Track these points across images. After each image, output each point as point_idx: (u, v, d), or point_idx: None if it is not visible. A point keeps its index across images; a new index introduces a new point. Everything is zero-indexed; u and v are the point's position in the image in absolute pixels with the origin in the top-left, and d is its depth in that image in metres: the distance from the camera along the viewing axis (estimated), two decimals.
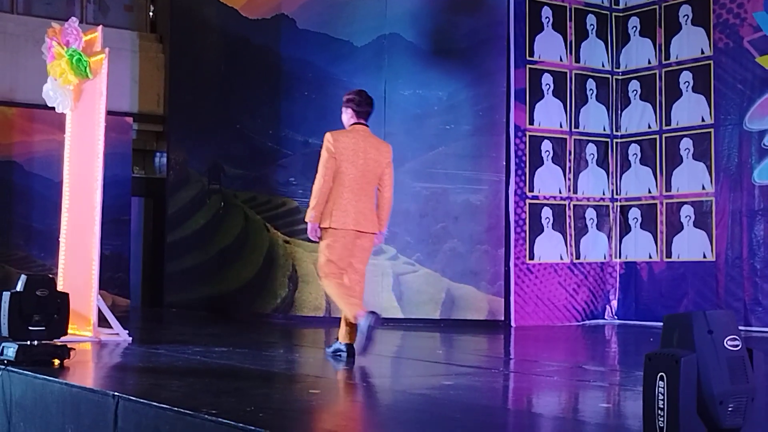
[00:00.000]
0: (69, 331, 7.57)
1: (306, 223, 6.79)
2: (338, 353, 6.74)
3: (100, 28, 8.14)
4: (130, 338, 7.73)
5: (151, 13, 14.22)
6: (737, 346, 3.22)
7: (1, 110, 12.16)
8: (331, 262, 6.68)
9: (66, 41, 7.92)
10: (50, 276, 6.66)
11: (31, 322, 5.97)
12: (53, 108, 8.24)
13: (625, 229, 10.84)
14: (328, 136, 6.69)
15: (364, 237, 6.76)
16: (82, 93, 8.12)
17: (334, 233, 6.64)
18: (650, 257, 10.60)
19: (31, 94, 10.96)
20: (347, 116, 6.86)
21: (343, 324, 6.71)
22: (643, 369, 3.31)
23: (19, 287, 6.06)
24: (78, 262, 8.01)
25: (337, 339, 6.80)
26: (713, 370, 3.18)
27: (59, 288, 6.56)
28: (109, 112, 7.97)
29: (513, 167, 10.10)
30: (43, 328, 6.01)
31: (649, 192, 10.63)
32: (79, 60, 7.84)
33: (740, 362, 3.22)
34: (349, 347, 6.67)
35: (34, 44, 10.58)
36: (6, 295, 5.99)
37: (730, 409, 3.18)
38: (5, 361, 5.78)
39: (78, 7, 13.39)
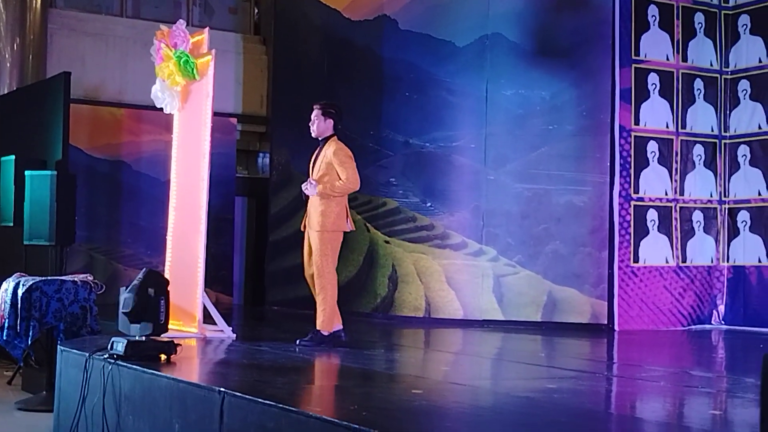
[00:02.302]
0: (175, 327, 7.77)
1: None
2: (323, 342, 7.27)
3: (206, 30, 8.25)
4: (234, 335, 7.85)
5: (255, 16, 14.42)
6: None
7: (111, 111, 12.43)
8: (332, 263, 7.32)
9: (174, 43, 8.05)
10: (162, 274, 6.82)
11: (144, 317, 6.12)
12: (161, 109, 8.39)
13: (734, 232, 10.55)
14: (342, 145, 7.40)
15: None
16: (190, 94, 8.25)
17: (340, 237, 7.39)
18: (760, 261, 10.30)
19: (139, 96, 11.20)
20: (327, 125, 7.56)
21: (326, 314, 7.36)
22: (758, 374, 3.25)
23: (137, 282, 6.22)
24: (184, 259, 8.16)
25: (318, 330, 7.35)
26: None
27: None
28: (214, 113, 8.10)
29: (618, 168, 9.92)
30: (152, 323, 6.15)
31: (759, 194, 10.33)
32: (186, 62, 7.96)
33: None
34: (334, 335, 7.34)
35: (142, 46, 10.81)
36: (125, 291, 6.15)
37: None
38: (115, 356, 5.93)
39: (184, 10, 13.64)
